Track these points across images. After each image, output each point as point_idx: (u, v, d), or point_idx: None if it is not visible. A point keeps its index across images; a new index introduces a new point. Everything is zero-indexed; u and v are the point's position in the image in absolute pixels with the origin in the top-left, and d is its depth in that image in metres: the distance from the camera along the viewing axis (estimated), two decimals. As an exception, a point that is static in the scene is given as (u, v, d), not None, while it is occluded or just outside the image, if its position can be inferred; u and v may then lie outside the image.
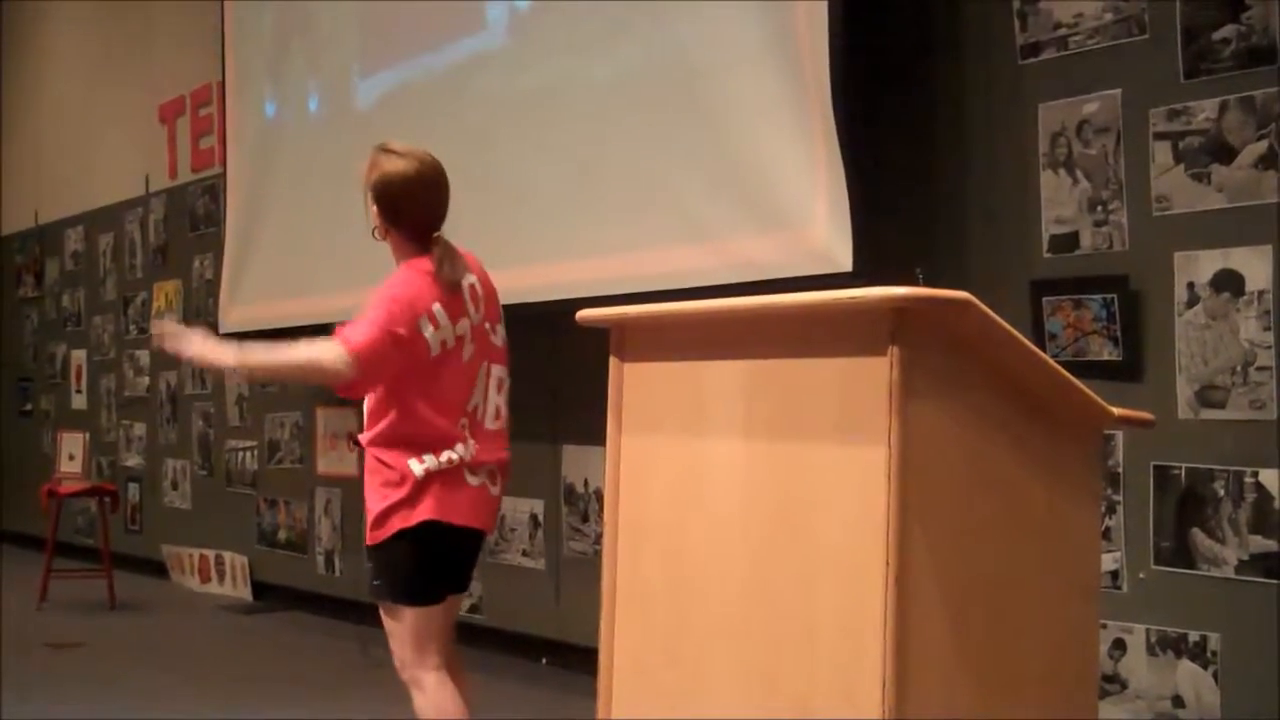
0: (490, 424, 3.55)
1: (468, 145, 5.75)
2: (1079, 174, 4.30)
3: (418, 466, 3.35)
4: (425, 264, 3.43)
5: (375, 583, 3.45)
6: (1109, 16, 4.25)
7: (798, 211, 4.63)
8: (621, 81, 5.35)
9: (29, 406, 11.37)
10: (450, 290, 3.42)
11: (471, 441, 3.44)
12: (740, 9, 4.83)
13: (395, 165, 3.45)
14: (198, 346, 3.42)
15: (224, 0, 7.97)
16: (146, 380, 9.61)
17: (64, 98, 10.91)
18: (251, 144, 7.77)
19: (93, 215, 10.36)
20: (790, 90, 4.65)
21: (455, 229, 3.55)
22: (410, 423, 3.38)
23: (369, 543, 3.44)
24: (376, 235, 3.53)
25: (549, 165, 5.69)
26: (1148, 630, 4.12)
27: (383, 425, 3.41)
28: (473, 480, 3.45)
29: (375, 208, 3.47)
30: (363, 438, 3.47)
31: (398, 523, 3.37)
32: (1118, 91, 4.21)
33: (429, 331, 3.35)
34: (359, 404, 3.55)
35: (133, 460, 9.77)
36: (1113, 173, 4.21)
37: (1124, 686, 4.15)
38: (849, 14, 4.48)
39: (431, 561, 3.43)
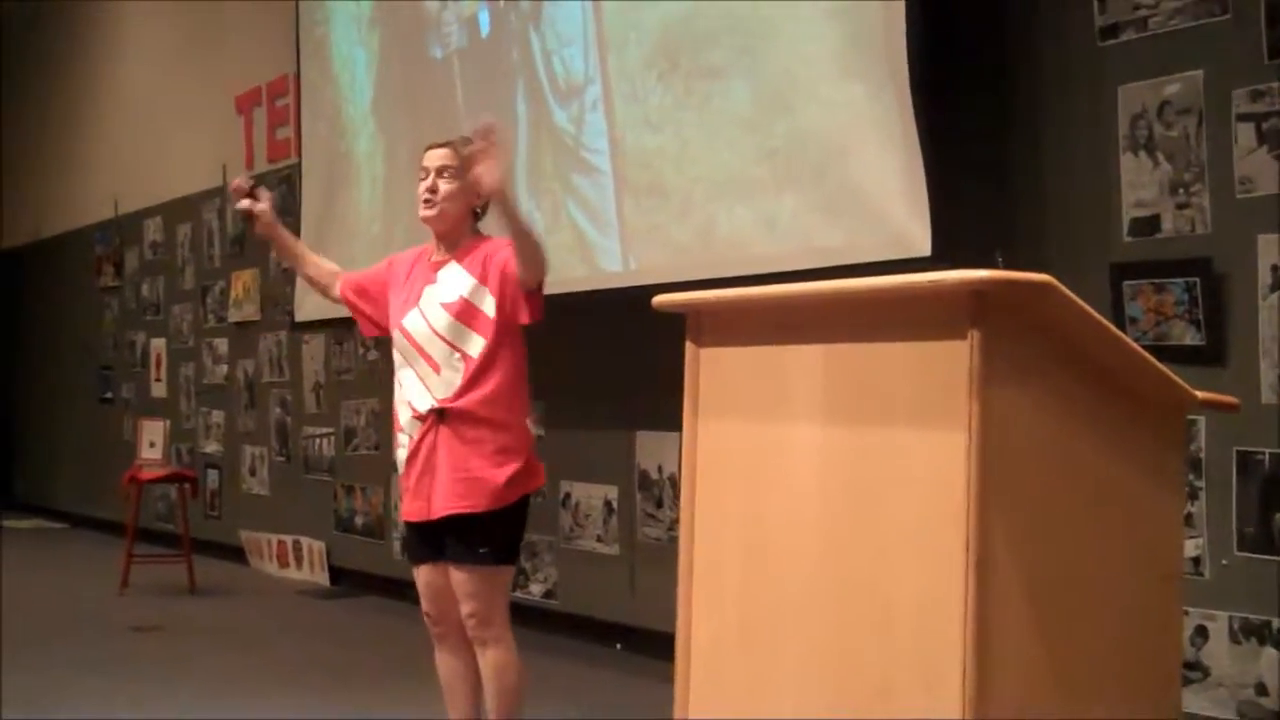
0: None
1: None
2: (1160, 156, 4.24)
3: (534, 428, 3.58)
4: None
5: (483, 550, 3.54)
6: (1190, -4, 4.19)
7: (875, 196, 4.60)
8: (697, 70, 5.34)
9: (109, 395, 11.55)
10: None
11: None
12: (814, -7, 4.81)
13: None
14: (501, 169, 3.42)
15: (299, -9, 8.04)
16: (225, 368, 9.73)
17: (142, 90, 11.05)
18: (327, 134, 7.83)
19: (171, 205, 10.49)
20: (867, 75, 4.63)
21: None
22: (520, 379, 3.64)
23: (483, 508, 3.53)
24: (448, 209, 3.66)
25: (626, 153, 5.69)
26: (1230, 618, 4.06)
27: (495, 383, 3.57)
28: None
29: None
30: (466, 401, 3.55)
31: (522, 487, 3.59)
32: (1199, 72, 4.15)
33: None
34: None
35: (212, 447, 9.89)
36: (1194, 155, 4.15)
37: (1206, 674, 4.10)
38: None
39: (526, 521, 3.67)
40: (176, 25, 10.44)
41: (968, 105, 4.72)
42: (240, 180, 3.98)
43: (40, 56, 12.91)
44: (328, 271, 4.04)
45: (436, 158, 3.68)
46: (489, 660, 3.61)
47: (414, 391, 3.63)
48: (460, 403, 3.55)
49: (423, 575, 3.72)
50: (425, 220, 3.70)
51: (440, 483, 3.57)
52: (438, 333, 3.60)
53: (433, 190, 3.65)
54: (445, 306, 3.60)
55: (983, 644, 2.14)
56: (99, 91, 11.85)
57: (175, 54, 10.50)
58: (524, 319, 3.59)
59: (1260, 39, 4.01)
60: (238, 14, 9.49)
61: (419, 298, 3.67)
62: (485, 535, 3.55)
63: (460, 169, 3.58)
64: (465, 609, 3.60)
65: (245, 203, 3.91)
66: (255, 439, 9.33)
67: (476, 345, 3.57)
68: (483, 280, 3.59)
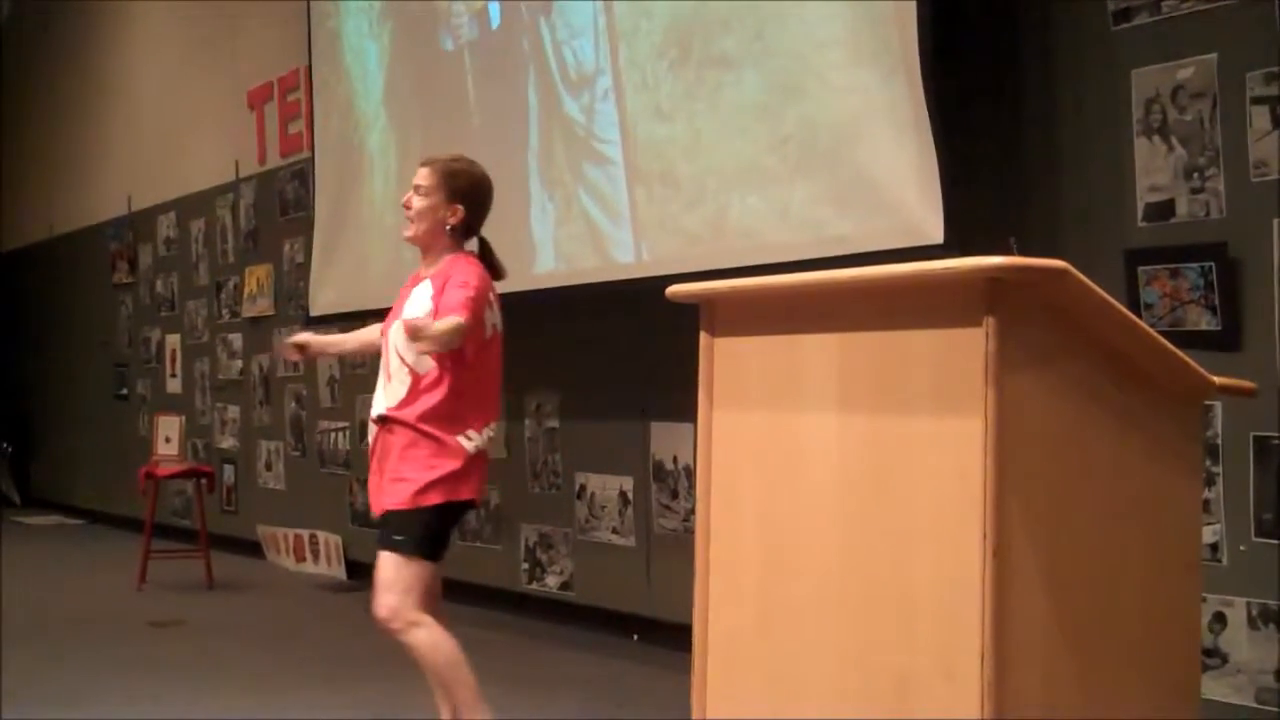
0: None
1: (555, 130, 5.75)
2: (1174, 141, 4.22)
3: (468, 443, 3.74)
4: (477, 258, 3.90)
5: (398, 538, 3.74)
6: (1203, -21, 4.17)
7: (887, 184, 4.59)
8: (708, 59, 5.33)
9: (125, 391, 11.57)
10: (494, 275, 3.91)
11: (500, 424, 3.80)
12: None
13: (481, 172, 3.95)
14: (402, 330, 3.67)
15: (309, -15, 8.04)
16: (239, 363, 9.74)
17: (154, 86, 11.07)
18: (339, 128, 7.84)
19: (185, 201, 10.50)
20: (878, 62, 4.61)
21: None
22: (462, 400, 3.75)
23: (405, 506, 3.73)
24: (419, 229, 3.86)
25: (638, 143, 5.68)
26: (1248, 604, 4.05)
27: (435, 401, 3.73)
28: (488, 458, 3.89)
29: (460, 205, 3.85)
30: (405, 413, 3.76)
31: (443, 494, 3.73)
32: (1213, 56, 4.13)
33: (487, 313, 3.79)
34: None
35: (227, 442, 9.91)
36: (1209, 139, 4.13)
37: (1224, 661, 4.09)
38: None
39: (449, 531, 3.86)
40: (188, 21, 10.45)
41: (980, 91, 4.70)
42: (284, 348, 4.32)
43: (52, 53, 12.93)
44: (366, 342, 4.34)
45: (417, 175, 3.91)
46: (414, 649, 3.75)
47: (376, 397, 3.89)
48: (400, 414, 3.78)
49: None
50: (403, 235, 3.98)
51: (383, 483, 3.83)
52: (395, 346, 3.82)
53: (407, 206, 3.90)
54: (402, 321, 3.77)
55: (1001, 632, 2.14)
56: (111, 88, 11.86)
57: (187, 50, 10.51)
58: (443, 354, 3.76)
59: (1274, 22, 3.98)
60: (249, 9, 9.50)
61: (401, 310, 3.88)
62: (401, 526, 3.75)
63: (433, 187, 3.85)
64: (378, 602, 3.75)
65: (296, 356, 4.32)
66: (271, 434, 9.34)
67: (423, 364, 3.77)
68: (435, 303, 3.75)
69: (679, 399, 4.04)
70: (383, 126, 7.50)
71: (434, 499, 3.72)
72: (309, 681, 5.46)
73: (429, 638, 3.73)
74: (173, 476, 8.41)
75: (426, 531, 3.74)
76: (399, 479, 3.76)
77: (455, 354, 3.71)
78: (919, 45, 4.43)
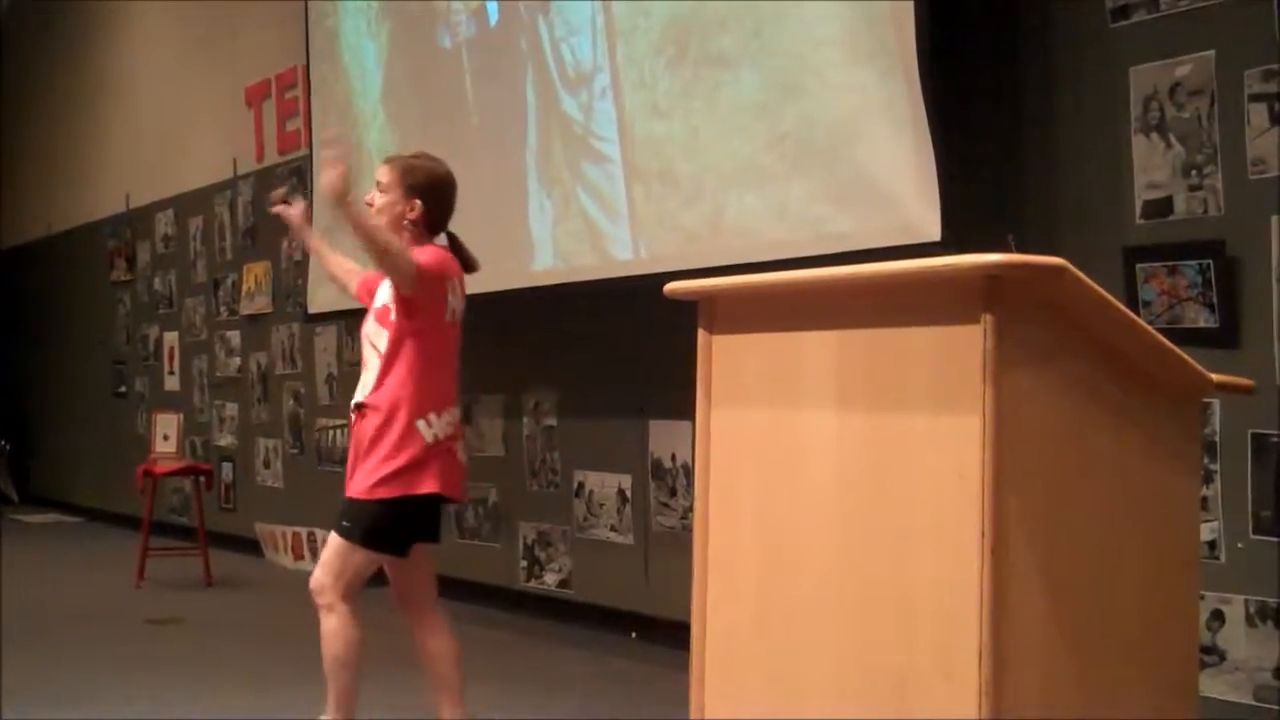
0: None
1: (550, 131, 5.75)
2: (1172, 138, 4.22)
3: (426, 431, 3.79)
4: (442, 248, 3.96)
5: (345, 524, 3.84)
6: (1202, -23, 4.17)
7: (884, 181, 4.59)
8: (705, 57, 5.33)
9: (123, 388, 11.57)
10: (466, 267, 3.97)
11: (457, 411, 3.92)
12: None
13: (442, 169, 4.01)
14: (334, 176, 3.70)
15: (307, -17, 8.04)
16: (238, 361, 9.74)
17: (152, 83, 11.06)
18: (337, 126, 7.82)
19: (182, 199, 10.50)
20: (876, 59, 4.61)
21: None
22: (421, 382, 3.80)
23: (361, 496, 3.81)
24: (383, 220, 3.89)
25: (636, 141, 5.68)
26: (1246, 601, 4.05)
27: (397, 381, 3.80)
28: (460, 456, 3.92)
29: (418, 200, 3.92)
30: (374, 398, 3.83)
31: (399, 488, 3.78)
32: (1211, 53, 4.13)
33: (450, 298, 3.86)
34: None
35: (225, 440, 9.91)
36: (1207, 136, 4.13)
37: (1222, 658, 4.09)
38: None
39: (411, 524, 3.87)
40: (186, 19, 10.44)
41: (978, 88, 4.70)
42: (278, 192, 4.48)
43: (50, 51, 12.93)
44: (348, 270, 4.40)
45: (377, 172, 4.01)
46: (322, 625, 3.88)
47: (358, 387, 3.95)
48: (369, 399, 3.85)
49: None
50: None
51: (352, 469, 3.92)
52: (368, 335, 3.93)
53: (369, 203, 3.96)
54: (373, 311, 3.93)
55: (999, 630, 2.14)
56: (109, 85, 11.86)
57: (185, 47, 10.51)
58: (402, 321, 3.82)
59: (1272, 19, 3.98)
60: (247, 7, 9.49)
61: (371, 304, 4.01)
62: (351, 514, 3.85)
63: (392, 184, 3.93)
64: (313, 574, 3.90)
65: (280, 207, 4.40)
66: (269, 431, 9.34)
67: (386, 343, 3.85)
68: (394, 300, 3.86)
69: (677, 397, 4.04)
70: (381, 124, 7.50)
71: (388, 493, 3.78)
72: (307, 679, 5.45)
73: (335, 627, 3.85)
74: (171, 474, 8.41)
75: (374, 524, 3.81)
76: (364, 468, 3.84)
77: (405, 331, 3.79)
78: (917, 43, 4.43)
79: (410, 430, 3.78)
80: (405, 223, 3.91)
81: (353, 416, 3.95)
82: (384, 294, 3.92)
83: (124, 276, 11.54)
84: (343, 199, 3.66)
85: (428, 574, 4.06)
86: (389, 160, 4.03)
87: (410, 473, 3.78)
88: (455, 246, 4.02)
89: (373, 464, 3.80)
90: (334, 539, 3.87)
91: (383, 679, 5.00)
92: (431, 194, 3.95)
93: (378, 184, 3.97)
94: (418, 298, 3.78)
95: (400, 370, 3.80)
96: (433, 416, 3.80)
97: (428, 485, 3.80)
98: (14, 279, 13.75)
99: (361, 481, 3.82)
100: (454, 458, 3.88)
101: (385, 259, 3.72)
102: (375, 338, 3.88)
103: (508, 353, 7.03)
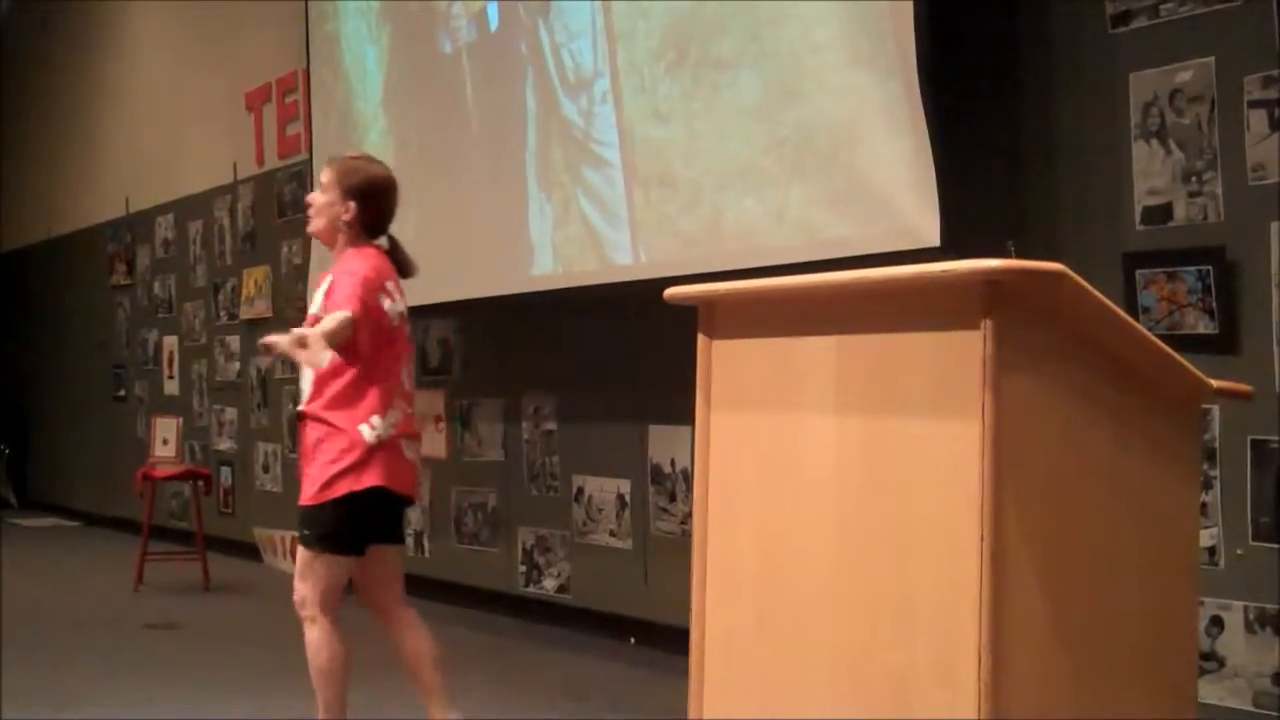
0: (410, 401, 4.04)
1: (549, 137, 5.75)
2: (1172, 144, 4.22)
3: (369, 433, 3.83)
4: (376, 250, 3.99)
5: (305, 533, 3.91)
6: (1201, -17, 4.17)
7: (884, 186, 4.58)
8: (705, 60, 5.33)
9: (122, 392, 11.57)
10: (400, 272, 4.02)
11: (407, 409, 3.96)
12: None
13: (380, 170, 4.07)
14: (287, 342, 3.82)
15: (308, -13, 8.05)
16: (237, 365, 9.74)
17: (152, 87, 11.07)
18: (337, 130, 7.84)
19: (182, 203, 10.50)
20: (875, 63, 4.61)
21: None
22: (361, 389, 3.86)
23: (311, 502, 3.87)
24: (318, 225, 4.01)
25: (636, 145, 5.68)
26: (1245, 607, 4.05)
27: (335, 391, 3.86)
28: (409, 454, 3.97)
29: (353, 203, 3.96)
30: (313, 406, 3.91)
31: (345, 486, 3.82)
32: (1211, 59, 4.13)
33: (388, 304, 3.90)
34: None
35: (225, 444, 9.91)
36: (1207, 142, 4.13)
37: (1221, 664, 4.09)
38: (934, -15, 4.43)
39: (362, 521, 3.89)
40: (186, 22, 10.45)
41: (978, 93, 4.70)
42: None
43: (51, 55, 12.93)
44: None
45: (321, 173, 4.09)
46: (306, 637, 3.94)
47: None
48: (310, 408, 3.93)
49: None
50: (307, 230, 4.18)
51: (302, 478, 3.98)
52: None
53: (309, 204, 4.07)
54: (309, 319, 3.95)
55: (998, 635, 2.14)
56: (109, 89, 11.86)
57: (185, 51, 10.51)
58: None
59: (1272, 25, 3.98)
60: (247, 11, 9.50)
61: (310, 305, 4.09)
62: (307, 522, 3.91)
63: (330, 184, 3.99)
64: (296, 584, 3.95)
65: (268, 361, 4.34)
66: (268, 436, 9.34)
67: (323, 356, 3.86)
68: (324, 303, 3.89)
69: (677, 402, 4.03)
70: (381, 129, 7.50)
71: (335, 493, 3.83)
72: (304, 685, 5.42)
73: (318, 638, 3.90)
74: (170, 478, 8.42)
75: (330, 527, 3.86)
76: (309, 475, 3.91)
77: (349, 345, 3.80)
78: (916, 47, 4.43)
79: (353, 434, 3.83)
80: (341, 223, 3.97)
81: (298, 423, 4.04)
82: (318, 302, 3.96)
83: (124, 280, 11.54)
84: (312, 357, 3.75)
85: (391, 574, 4.09)
86: (331, 161, 4.13)
87: (354, 471, 3.83)
88: (394, 249, 4.06)
89: (317, 470, 3.87)
90: (300, 550, 3.95)
91: (372, 685, 5.00)
92: (368, 197, 3.98)
93: (320, 184, 4.05)
94: (357, 332, 3.79)
95: (341, 379, 3.85)
96: (376, 419, 3.85)
97: (370, 479, 3.83)
98: (14, 282, 13.75)
99: (308, 489, 3.89)
100: (400, 454, 3.92)
101: (334, 343, 3.77)
102: None
103: (507, 357, 7.04)
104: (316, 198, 4.03)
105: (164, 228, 10.84)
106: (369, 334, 3.83)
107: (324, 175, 4.04)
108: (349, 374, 3.85)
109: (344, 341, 3.75)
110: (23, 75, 13.58)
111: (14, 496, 13.44)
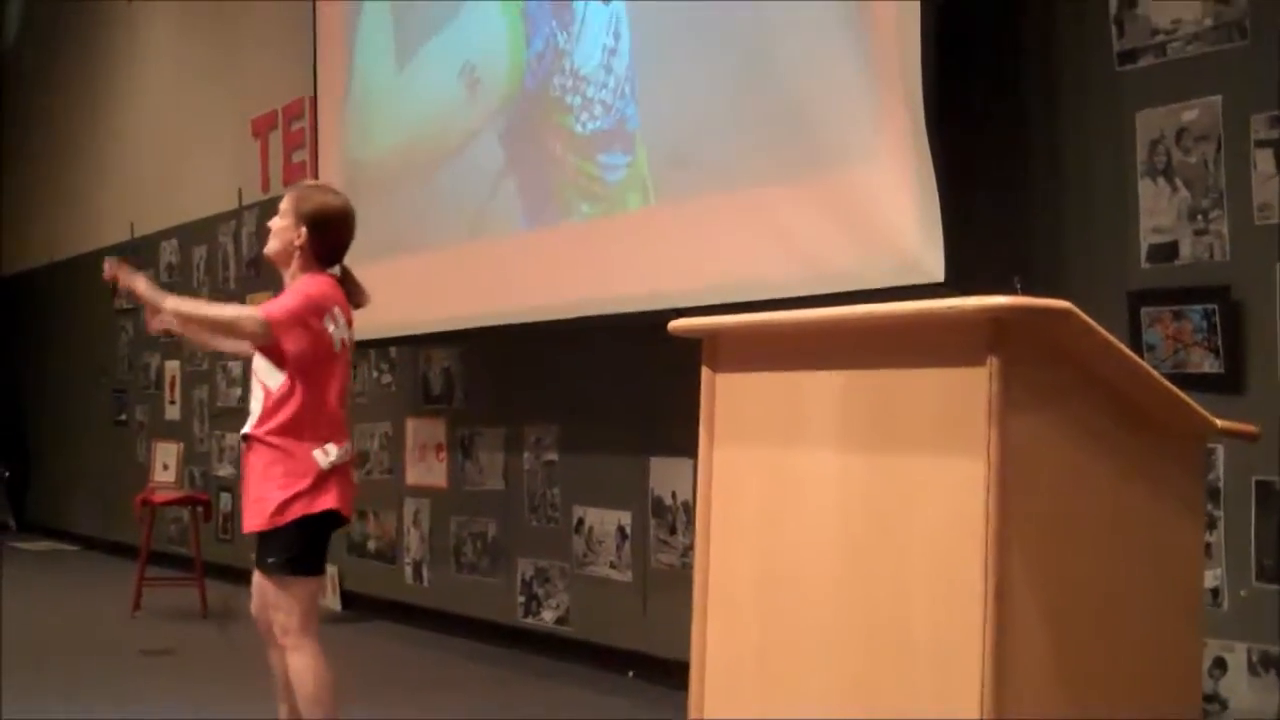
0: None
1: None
2: (1178, 182, 4.22)
3: (324, 458, 3.89)
4: (327, 278, 4.06)
5: (269, 560, 3.93)
6: (1208, 22, 4.17)
7: (888, 221, 4.58)
8: (709, 89, 5.33)
9: (124, 417, 11.55)
10: (350, 300, 4.09)
11: (350, 443, 4.04)
12: (828, 11, 4.80)
13: (335, 201, 4.15)
14: (143, 285, 4.13)
15: (315, 15, 8.06)
16: (239, 391, 9.72)
17: (158, 113, 11.09)
18: (341, 160, 7.84)
19: (187, 228, 10.51)
20: (880, 98, 4.61)
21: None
22: (312, 414, 3.91)
23: (265, 527, 3.90)
24: (273, 248, 4.09)
25: (637, 175, 5.68)
26: (1249, 649, 4.02)
27: (285, 417, 3.89)
28: (354, 476, 4.09)
29: (305, 230, 4.03)
30: (258, 430, 3.93)
31: (300, 509, 3.87)
32: (1218, 98, 4.13)
33: (332, 328, 3.95)
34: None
35: (225, 470, 9.89)
36: (1213, 181, 4.13)
37: (1224, 707, 4.06)
38: (940, 20, 4.43)
39: (322, 541, 3.99)
40: (192, 48, 10.48)
41: (983, 130, 4.70)
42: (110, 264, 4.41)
43: (56, 79, 12.97)
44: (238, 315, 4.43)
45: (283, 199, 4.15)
46: (290, 666, 3.97)
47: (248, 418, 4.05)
48: (257, 431, 3.95)
49: (254, 580, 4.11)
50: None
51: (246, 502, 4.02)
52: (256, 370, 4.03)
53: (269, 227, 4.13)
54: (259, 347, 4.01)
55: (1000, 671, 2.12)
56: (114, 114, 11.89)
57: (191, 77, 10.54)
58: (287, 359, 3.91)
59: (1279, 64, 3.98)
60: (254, 37, 9.53)
61: None
62: (269, 548, 3.93)
63: (286, 210, 4.06)
64: (273, 620, 4.00)
65: (115, 276, 4.34)
66: (268, 462, 9.30)
67: (273, 379, 3.94)
68: None
69: (679, 434, 4.02)
70: (389, 159, 7.50)
71: (290, 515, 3.87)
72: (302, 713, 5.42)
73: (304, 664, 3.93)
74: (169, 504, 8.40)
75: (296, 550, 3.91)
76: (258, 499, 3.93)
77: (300, 364, 3.87)
78: (922, 83, 4.43)
79: (306, 458, 3.88)
80: (294, 248, 4.04)
81: (242, 446, 4.06)
82: None
83: (126, 305, 11.53)
84: (155, 308, 3.95)
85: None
86: (290, 188, 4.22)
87: (308, 494, 3.88)
88: (346, 278, 4.13)
89: (269, 492, 3.89)
90: (262, 580, 3.98)
91: (366, 703, 4.98)
92: (320, 225, 4.05)
93: (279, 209, 4.11)
94: (283, 342, 3.87)
95: (293, 404, 3.89)
96: (331, 446, 3.91)
97: (325, 502, 3.90)
98: (16, 306, 13.75)
99: (260, 513, 3.91)
100: (349, 478, 4.03)
101: (221, 329, 3.95)
102: (259, 370, 3.98)
103: (509, 386, 7.02)
104: (275, 222, 4.10)
105: (168, 252, 10.84)
106: (310, 349, 3.88)
107: (284, 201, 4.12)
108: (298, 400, 3.89)
109: (243, 339, 3.93)
110: (28, 99, 13.61)
111: (13, 520, 13.41)
